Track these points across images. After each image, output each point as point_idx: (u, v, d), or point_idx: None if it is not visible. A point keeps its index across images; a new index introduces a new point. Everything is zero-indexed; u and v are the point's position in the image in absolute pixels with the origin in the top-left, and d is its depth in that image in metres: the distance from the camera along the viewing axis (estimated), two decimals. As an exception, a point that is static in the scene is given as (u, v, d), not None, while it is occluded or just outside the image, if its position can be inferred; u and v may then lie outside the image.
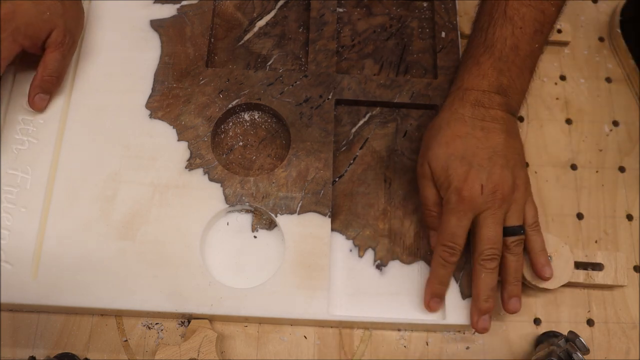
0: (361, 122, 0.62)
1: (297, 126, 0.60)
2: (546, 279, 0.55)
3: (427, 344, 0.56)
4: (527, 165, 0.59)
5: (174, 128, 0.60)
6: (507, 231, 0.53)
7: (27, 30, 0.56)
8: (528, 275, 0.55)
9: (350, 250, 0.57)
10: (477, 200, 0.52)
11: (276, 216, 0.57)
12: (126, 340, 0.55)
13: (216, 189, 0.58)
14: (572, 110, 0.66)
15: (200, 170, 0.58)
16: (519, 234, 0.53)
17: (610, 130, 0.65)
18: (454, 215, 0.52)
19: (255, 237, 0.58)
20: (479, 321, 0.53)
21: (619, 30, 0.68)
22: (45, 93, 0.59)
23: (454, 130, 0.54)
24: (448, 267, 0.54)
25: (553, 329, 0.56)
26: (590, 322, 0.57)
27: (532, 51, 0.56)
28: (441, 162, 0.53)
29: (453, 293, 0.55)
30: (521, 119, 0.65)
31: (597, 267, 0.58)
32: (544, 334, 0.56)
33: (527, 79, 0.57)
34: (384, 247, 0.58)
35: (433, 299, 0.54)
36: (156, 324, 0.55)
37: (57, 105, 0.60)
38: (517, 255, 0.53)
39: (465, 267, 0.56)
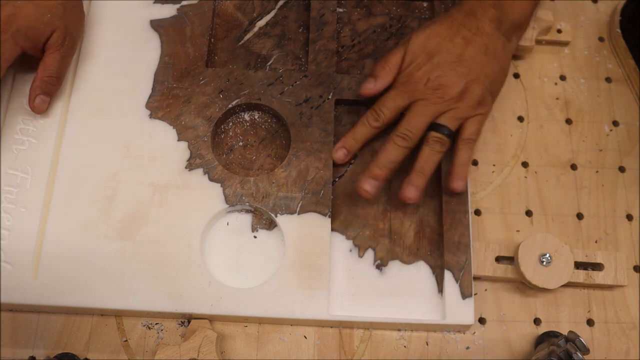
0: (361, 122, 0.62)
1: (297, 126, 0.60)
2: (454, 190, 0.57)
3: (427, 344, 0.56)
4: (495, 93, 0.60)
5: (174, 128, 0.60)
6: (433, 126, 0.56)
7: (27, 33, 0.56)
8: (528, 275, 0.55)
9: (350, 250, 0.57)
10: (418, 88, 0.56)
11: (276, 216, 0.57)
12: (126, 340, 0.55)
13: (216, 189, 0.58)
14: (572, 110, 0.66)
15: (200, 170, 0.58)
16: (443, 133, 0.56)
17: (610, 130, 0.65)
18: (394, 90, 0.57)
19: (255, 237, 0.58)
20: (363, 180, 0.56)
21: (619, 30, 0.68)
22: (45, 95, 0.59)
23: (438, 30, 0.58)
24: (366, 126, 0.58)
25: (553, 329, 0.57)
26: (590, 322, 0.57)
27: None
28: (413, 48, 0.57)
29: (453, 293, 0.55)
30: (521, 119, 0.65)
31: (597, 267, 0.58)
32: (544, 334, 0.56)
33: (527, 5, 0.58)
34: (384, 247, 0.58)
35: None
36: (156, 324, 0.55)
37: (57, 105, 0.60)
38: (432, 150, 0.56)
39: (465, 267, 0.56)
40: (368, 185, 0.55)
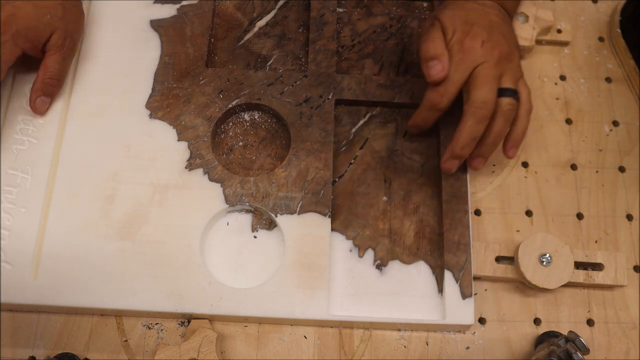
0: (361, 122, 0.62)
1: (297, 126, 0.60)
2: (510, 157, 0.57)
3: (427, 344, 0.56)
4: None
5: (174, 128, 0.60)
6: (502, 92, 0.54)
7: (27, 33, 0.56)
8: (528, 275, 0.55)
9: (350, 250, 0.57)
10: (477, 52, 0.53)
11: (276, 216, 0.57)
12: (126, 340, 0.55)
13: (216, 189, 0.58)
14: (572, 110, 0.66)
15: (200, 170, 0.58)
16: (514, 97, 0.54)
17: (610, 130, 0.65)
18: (452, 63, 0.54)
19: (255, 237, 0.58)
20: (447, 161, 0.56)
21: (619, 30, 0.68)
22: (46, 96, 0.59)
23: (458, 4, 0.57)
24: (434, 111, 0.56)
25: (553, 329, 0.56)
26: (590, 322, 0.57)
27: None
28: (449, 15, 0.56)
29: (453, 293, 0.55)
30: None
31: (597, 267, 0.58)
32: (544, 334, 0.56)
33: None
34: (384, 247, 0.58)
35: (413, 126, 0.59)
36: (156, 324, 0.55)
37: (57, 105, 0.60)
38: (505, 120, 0.54)
39: (465, 267, 0.56)
40: (452, 165, 0.56)
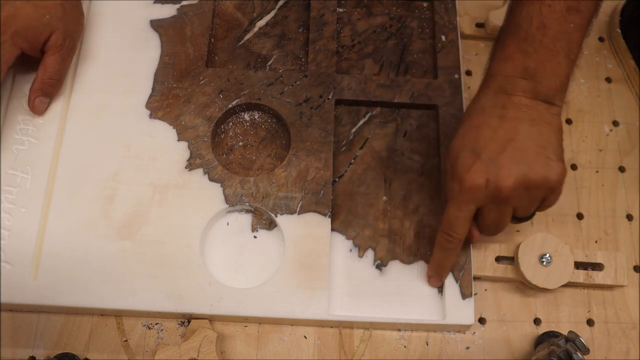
0: (361, 122, 0.62)
1: (297, 126, 0.60)
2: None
3: (427, 344, 0.56)
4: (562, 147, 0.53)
5: (174, 128, 0.60)
6: (514, 220, 0.53)
7: (26, 34, 0.56)
8: (528, 275, 0.55)
9: (350, 250, 0.57)
10: (480, 193, 0.49)
11: (276, 216, 0.57)
12: (126, 340, 0.55)
13: (216, 189, 0.58)
14: (572, 110, 0.66)
15: (200, 170, 0.58)
16: (526, 220, 0.54)
17: (610, 130, 0.65)
18: (454, 204, 0.51)
19: (255, 237, 0.58)
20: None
21: (619, 30, 0.68)
22: (45, 96, 0.59)
23: (470, 122, 0.51)
24: (447, 253, 0.53)
25: (553, 329, 0.56)
26: (590, 322, 0.57)
27: (564, 32, 0.49)
28: (453, 154, 0.51)
29: (453, 293, 0.55)
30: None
31: (597, 267, 0.58)
32: (544, 334, 0.56)
33: (561, 63, 0.50)
34: (384, 247, 0.58)
35: (432, 277, 0.55)
36: (156, 324, 0.55)
37: (57, 105, 0.60)
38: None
39: (465, 267, 0.56)
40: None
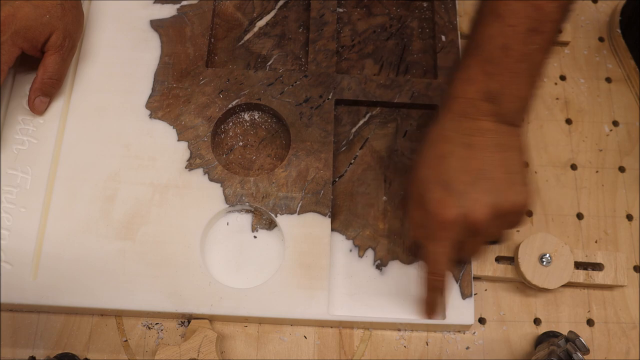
0: (361, 122, 0.62)
1: (297, 126, 0.60)
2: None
3: (427, 344, 0.56)
4: (527, 167, 0.54)
5: (174, 128, 0.60)
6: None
7: (26, 34, 0.56)
8: (528, 275, 0.55)
9: (350, 250, 0.57)
10: (456, 228, 0.48)
11: (276, 216, 0.57)
12: (126, 340, 0.55)
13: (216, 189, 0.58)
14: (572, 110, 0.66)
15: (200, 170, 0.58)
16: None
17: (610, 130, 0.65)
18: (432, 242, 0.50)
19: (255, 237, 0.58)
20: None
21: (619, 30, 0.68)
22: (45, 96, 0.59)
23: (436, 151, 0.50)
24: (439, 291, 0.52)
25: (553, 329, 0.57)
26: (590, 322, 0.57)
27: (527, 53, 0.48)
28: (419, 184, 0.50)
29: (453, 293, 0.55)
30: (521, 119, 0.65)
31: (597, 267, 0.58)
32: (544, 334, 0.56)
33: (524, 83, 0.49)
34: (384, 247, 0.58)
35: (428, 315, 0.55)
36: (156, 324, 0.55)
37: (57, 105, 0.60)
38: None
39: (465, 267, 0.56)
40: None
